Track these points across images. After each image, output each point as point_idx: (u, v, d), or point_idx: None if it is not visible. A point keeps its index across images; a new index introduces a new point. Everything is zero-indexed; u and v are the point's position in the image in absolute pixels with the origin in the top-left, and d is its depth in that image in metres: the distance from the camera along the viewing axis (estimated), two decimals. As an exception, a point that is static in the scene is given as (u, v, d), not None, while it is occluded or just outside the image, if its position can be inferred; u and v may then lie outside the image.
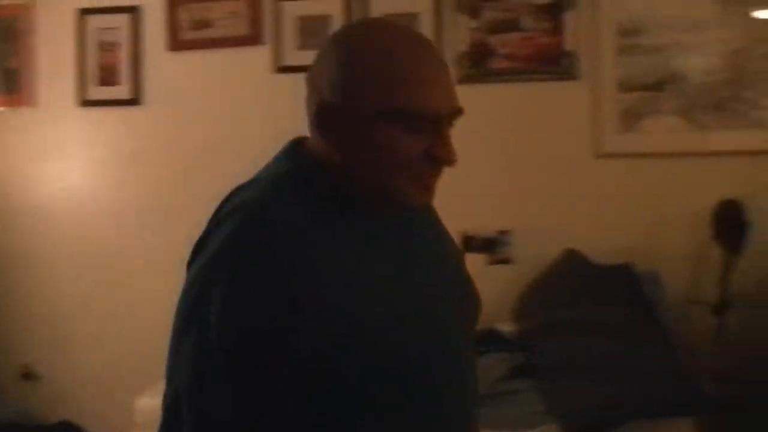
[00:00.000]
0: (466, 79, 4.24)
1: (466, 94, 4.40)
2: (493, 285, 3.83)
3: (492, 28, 4.26)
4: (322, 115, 1.44)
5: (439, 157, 1.41)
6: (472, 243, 4.12)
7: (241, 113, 4.58)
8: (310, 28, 4.43)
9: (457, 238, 4.01)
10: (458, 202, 4.14)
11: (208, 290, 1.33)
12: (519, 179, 4.24)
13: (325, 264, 1.35)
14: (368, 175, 1.42)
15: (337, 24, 4.37)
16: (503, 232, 4.07)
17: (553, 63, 4.22)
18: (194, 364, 1.33)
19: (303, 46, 4.43)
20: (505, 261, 4.12)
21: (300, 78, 4.53)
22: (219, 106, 4.63)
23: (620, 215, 4.12)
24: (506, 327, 3.82)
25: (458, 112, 1.45)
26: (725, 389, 3.56)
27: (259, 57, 4.52)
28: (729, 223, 3.97)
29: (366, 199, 1.46)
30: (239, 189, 1.52)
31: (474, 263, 4.02)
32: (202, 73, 4.66)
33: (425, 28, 4.29)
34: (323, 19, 4.40)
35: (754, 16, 4.23)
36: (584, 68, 4.20)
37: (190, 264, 1.45)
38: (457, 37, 4.29)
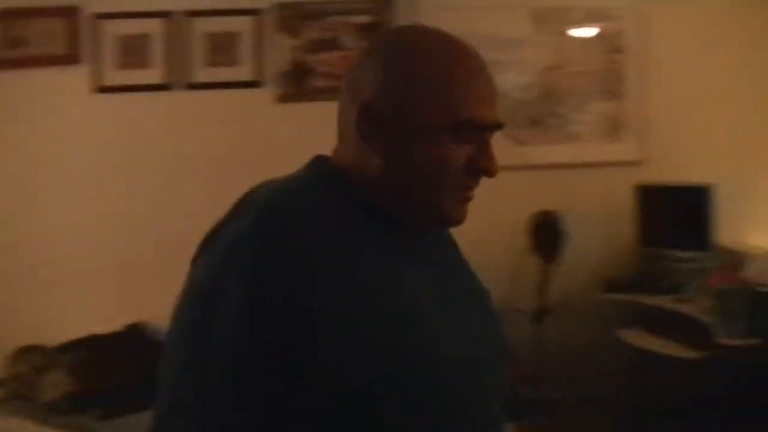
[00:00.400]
0: (287, 97, 4.28)
1: (287, 113, 4.45)
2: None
3: (312, 47, 4.30)
4: (366, 119, 1.34)
5: (484, 168, 1.35)
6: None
7: (61, 135, 4.46)
8: (131, 47, 4.37)
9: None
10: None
11: (215, 293, 1.21)
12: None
13: (351, 274, 1.24)
14: (411, 184, 1.35)
15: (157, 43, 4.35)
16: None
17: (372, 80, 4.27)
18: (195, 375, 1.20)
19: (123, 65, 4.38)
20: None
21: (121, 98, 4.48)
22: (37, 127, 4.50)
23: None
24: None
25: (501, 124, 1.39)
26: (545, 393, 3.64)
27: (78, 77, 4.43)
28: (545, 233, 4.08)
29: (399, 213, 1.38)
30: (260, 185, 1.42)
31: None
32: (18, 93, 4.52)
33: (246, 48, 4.32)
34: (144, 39, 4.36)
35: (566, 36, 4.40)
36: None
37: (195, 260, 1.33)
38: (278, 56, 4.32)
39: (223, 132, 4.34)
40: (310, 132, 4.25)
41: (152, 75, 4.37)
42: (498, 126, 1.37)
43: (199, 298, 1.25)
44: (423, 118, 1.32)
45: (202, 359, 1.20)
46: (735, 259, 4.06)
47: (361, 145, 1.36)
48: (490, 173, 1.35)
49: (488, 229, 4.18)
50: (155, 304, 4.14)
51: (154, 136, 4.36)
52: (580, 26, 4.47)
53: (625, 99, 4.42)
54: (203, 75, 4.36)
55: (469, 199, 1.39)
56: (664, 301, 4.13)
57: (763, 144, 4.61)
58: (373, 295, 1.25)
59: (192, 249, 4.31)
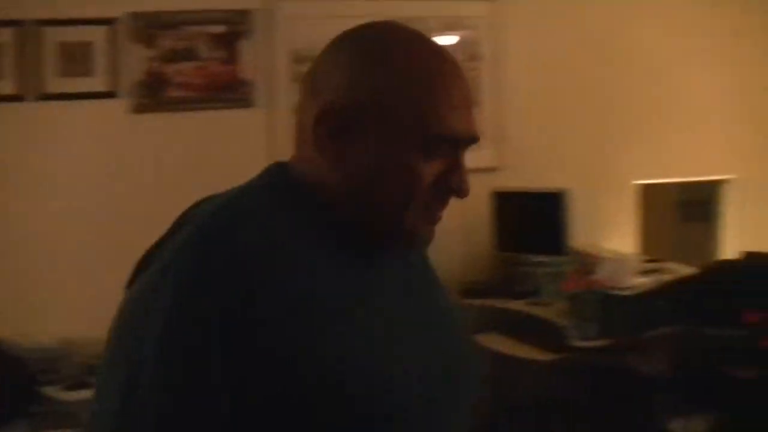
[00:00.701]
0: (143, 108, 4.22)
1: (142, 124, 4.39)
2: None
3: (168, 57, 4.25)
4: (326, 124, 1.21)
5: (455, 188, 1.24)
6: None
7: None
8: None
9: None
10: (145, 228, 4.10)
11: (146, 318, 1.08)
12: (199, 206, 4.23)
13: (305, 293, 1.12)
14: (372, 200, 1.22)
15: (8, 53, 4.22)
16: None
17: (228, 91, 4.27)
18: (117, 413, 1.07)
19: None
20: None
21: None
22: None
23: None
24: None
25: (477, 138, 1.27)
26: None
27: None
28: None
29: (361, 229, 1.24)
30: (202, 200, 1.28)
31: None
32: None
33: (100, 58, 4.25)
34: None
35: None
36: (260, 95, 4.28)
37: (130, 285, 1.20)
38: (133, 66, 4.25)
39: (78, 143, 4.26)
40: (167, 142, 4.26)
41: (4, 86, 4.24)
42: (474, 140, 1.26)
43: (124, 329, 1.12)
44: (392, 129, 1.20)
45: (114, 399, 1.08)
46: (588, 263, 4.15)
47: (319, 152, 1.23)
48: (461, 194, 1.25)
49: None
50: None
51: (7, 149, 4.26)
52: (437, 34, 4.51)
53: (481, 106, 4.48)
54: (57, 85, 4.25)
55: (436, 220, 1.27)
56: (521, 305, 4.21)
57: (613, 149, 4.74)
58: (332, 316, 1.14)
59: (37, 264, 4.20)
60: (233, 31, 4.28)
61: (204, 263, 1.10)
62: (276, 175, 1.28)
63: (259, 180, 1.29)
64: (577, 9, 4.70)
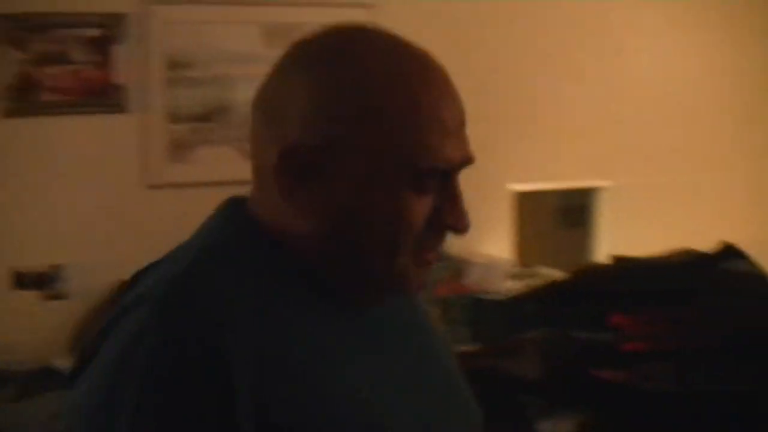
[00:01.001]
0: (13, 112, 4.13)
1: (13, 129, 4.31)
2: (48, 321, 3.79)
3: (39, 60, 4.17)
4: (290, 165, 1.04)
5: (452, 223, 1.09)
6: (23, 279, 3.99)
7: None
8: None
9: (6, 275, 3.93)
10: (5, 236, 4.02)
11: (113, 404, 0.95)
12: (71, 212, 4.16)
13: (283, 361, 1.00)
14: (357, 250, 1.06)
15: None
16: (56, 267, 3.98)
17: (101, 96, 4.21)
18: None
19: None
20: (58, 296, 4.01)
21: None
22: None
23: (174, 245, 4.14)
24: (63, 362, 3.73)
25: (470, 160, 1.13)
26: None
27: None
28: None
29: (337, 280, 1.10)
30: (150, 267, 1.14)
31: (27, 301, 3.94)
32: None
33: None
34: None
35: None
36: (133, 101, 4.23)
37: (73, 377, 1.06)
38: (3, 69, 4.15)
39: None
40: (40, 147, 4.18)
41: None
42: (470, 162, 1.13)
43: (96, 415, 0.98)
44: (374, 165, 1.04)
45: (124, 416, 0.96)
46: (460, 268, 4.21)
47: (283, 197, 1.07)
48: (460, 229, 1.11)
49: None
50: None
51: None
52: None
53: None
54: (-77, 91, 4.15)
55: (430, 261, 1.12)
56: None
57: (488, 154, 4.76)
58: (312, 383, 1.02)
59: None
60: (107, 35, 4.22)
61: (163, 362, 0.97)
62: (234, 222, 1.14)
63: (214, 229, 1.15)
64: (453, 14, 4.76)
